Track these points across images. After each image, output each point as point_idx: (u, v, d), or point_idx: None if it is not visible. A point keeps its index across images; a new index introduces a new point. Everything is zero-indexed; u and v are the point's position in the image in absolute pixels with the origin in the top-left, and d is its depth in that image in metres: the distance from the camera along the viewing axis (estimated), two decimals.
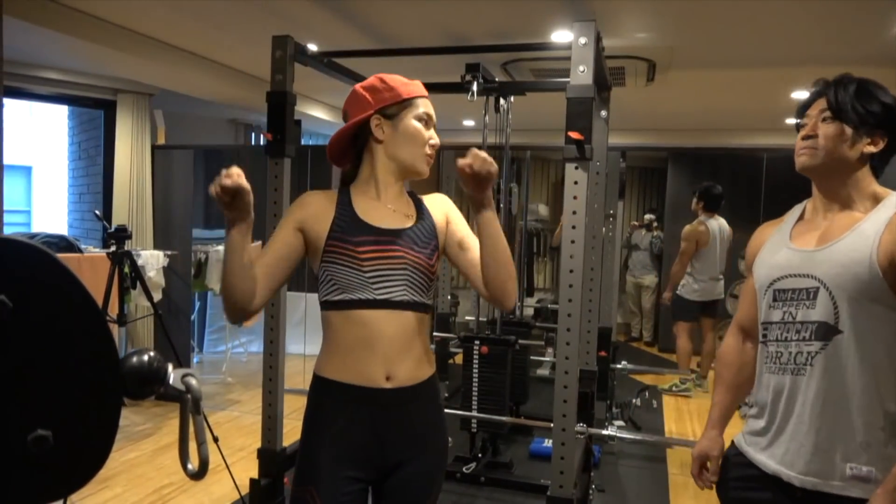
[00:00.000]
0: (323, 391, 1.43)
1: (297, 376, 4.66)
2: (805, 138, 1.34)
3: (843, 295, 1.25)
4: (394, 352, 1.39)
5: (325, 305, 1.42)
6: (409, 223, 1.46)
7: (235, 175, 1.20)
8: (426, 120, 1.47)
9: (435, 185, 4.95)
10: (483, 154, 1.31)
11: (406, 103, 1.45)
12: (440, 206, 1.53)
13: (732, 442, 1.47)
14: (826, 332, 1.26)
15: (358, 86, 1.49)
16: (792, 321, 1.32)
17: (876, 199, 1.31)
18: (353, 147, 1.50)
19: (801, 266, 1.32)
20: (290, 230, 1.41)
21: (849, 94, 1.30)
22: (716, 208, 4.75)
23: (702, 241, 4.68)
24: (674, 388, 5.12)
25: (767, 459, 1.35)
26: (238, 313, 1.35)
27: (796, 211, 1.45)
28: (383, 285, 1.39)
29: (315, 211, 1.43)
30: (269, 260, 1.39)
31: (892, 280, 1.21)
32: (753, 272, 1.45)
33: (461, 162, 1.31)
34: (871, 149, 1.30)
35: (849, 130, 1.29)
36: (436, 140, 1.48)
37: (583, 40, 2.04)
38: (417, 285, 1.42)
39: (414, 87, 1.48)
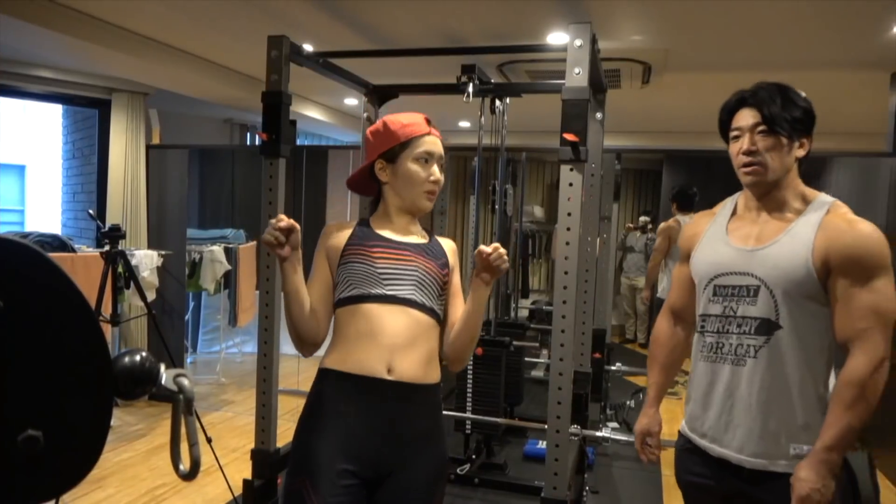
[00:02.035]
0: (323, 382, 1.45)
1: (292, 377, 4.67)
2: (747, 153, 1.41)
3: (782, 293, 1.36)
4: (397, 344, 1.41)
5: (337, 304, 1.48)
6: (423, 241, 1.57)
7: (285, 217, 1.36)
8: (426, 158, 1.52)
9: None
10: (503, 252, 1.43)
11: (405, 145, 1.52)
12: (450, 250, 1.62)
13: (679, 432, 1.58)
14: (769, 327, 1.38)
15: (368, 130, 1.61)
16: (733, 315, 1.42)
17: (804, 199, 1.42)
18: (372, 181, 1.60)
19: (741, 264, 1.42)
20: (323, 261, 1.54)
21: (777, 104, 1.38)
22: (688, 207, 4.82)
23: (673, 236, 4.75)
24: None
25: (711, 444, 1.46)
26: (311, 349, 1.51)
27: (729, 204, 1.54)
28: (393, 282, 1.46)
29: (335, 238, 1.54)
30: (319, 291, 1.52)
31: (825, 279, 1.34)
32: (692, 265, 1.55)
33: (482, 248, 1.43)
34: (801, 152, 1.42)
35: (785, 141, 1.39)
36: (436, 176, 1.54)
37: (578, 42, 2.05)
38: (427, 289, 1.48)
39: (413, 126, 1.53)
